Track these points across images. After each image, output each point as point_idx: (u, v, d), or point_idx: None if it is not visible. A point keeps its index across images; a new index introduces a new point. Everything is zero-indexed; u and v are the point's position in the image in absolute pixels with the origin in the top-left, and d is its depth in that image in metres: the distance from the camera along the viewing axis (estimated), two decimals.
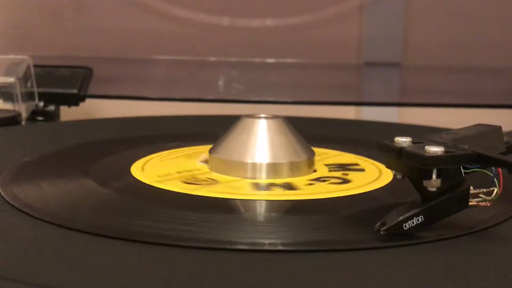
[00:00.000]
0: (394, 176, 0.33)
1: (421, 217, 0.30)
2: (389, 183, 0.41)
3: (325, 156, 0.48)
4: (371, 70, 0.84)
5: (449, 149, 0.30)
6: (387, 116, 0.78)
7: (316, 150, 0.45)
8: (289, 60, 0.84)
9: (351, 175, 0.43)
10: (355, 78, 0.88)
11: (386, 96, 0.85)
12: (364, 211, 0.35)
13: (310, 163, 0.43)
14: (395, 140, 0.31)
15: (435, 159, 0.30)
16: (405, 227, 0.30)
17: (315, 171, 0.43)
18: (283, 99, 0.79)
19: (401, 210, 0.31)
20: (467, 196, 0.31)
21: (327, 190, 0.39)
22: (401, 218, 0.30)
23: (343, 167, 0.45)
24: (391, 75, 0.85)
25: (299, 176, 0.42)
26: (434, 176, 0.30)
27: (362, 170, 0.44)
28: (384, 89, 0.86)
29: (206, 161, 0.44)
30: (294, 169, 0.42)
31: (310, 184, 0.40)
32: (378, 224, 0.31)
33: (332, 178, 0.42)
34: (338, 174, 0.43)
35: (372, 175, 0.43)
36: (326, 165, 0.45)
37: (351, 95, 0.88)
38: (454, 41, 0.82)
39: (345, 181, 0.41)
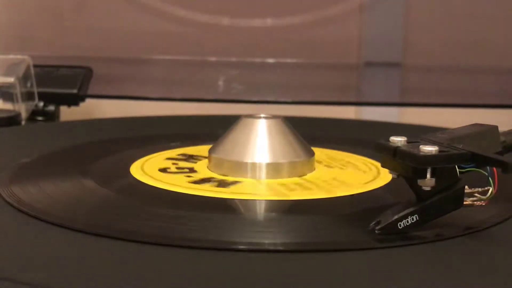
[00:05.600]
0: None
1: (415, 216, 0.30)
2: (389, 183, 0.41)
3: (325, 156, 0.48)
4: (371, 70, 0.84)
5: (444, 148, 0.31)
6: (387, 116, 0.78)
7: (316, 150, 0.45)
8: (289, 60, 0.84)
9: (351, 175, 0.43)
10: (355, 78, 0.88)
11: (386, 96, 0.85)
12: (364, 211, 0.35)
13: (310, 163, 0.43)
14: (390, 139, 0.32)
15: (429, 159, 0.30)
16: (400, 226, 0.30)
17: (315, 171, 0.43)
18: (283, 99, 0.79)
19: (396, 209, 0.31)
20: (462, 195, 0.31)
21: (327, 190, 0.39)
22: (395, 217, 0.30)
23: (343, 167, 0.45)
24: (391, 75, 0.85)
25: (299, 176, 0.42)
26: (428, 175, 0.30)
27: (362, 170, 0.44)
28: (384, 89, 0.86)
29: None
30: (294, 169, 0.42)
31: (310, 184, 0.40)
32: (373, 223, 0.31)
33: (331, 178, 0.42)
34: (338, 174, 0.43)
35: (372, 175, 0.43)
36: (326, 165, 0.45)
37: (351, 95, 0.88)
38: (454, 41, 0.82)
39: (345, 181, 0.41)
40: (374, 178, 0.42)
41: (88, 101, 0.75)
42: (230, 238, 0.31)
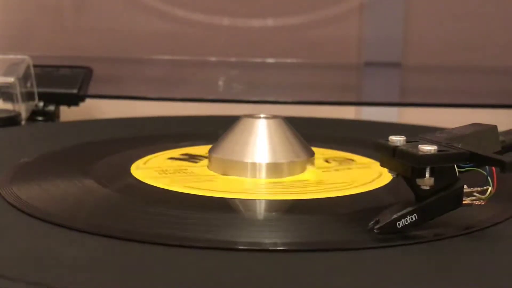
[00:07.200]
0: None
1: (414, 216, 0.30)
2: (389, 182, 0.41)
3: (325, 156, 0.48)
4: (371, 70, 0.84)
5: (443, 148, 0.31)
6: (387, 116, 0.78)
7: (316, 150, 0.45)
8: (289, 60, 0.84)
9: (351, 175, 0.43)
10: (355, 78, 0.88)
11: (386, 96, 0.85)
12: (364, 211, 0.35)
13: (310, 163, 0.43)
14: (389, 139, 0.32)
15: (428, 158, 0.30)
16: (399, 225, 0.30)
17: (314, 170, 0.43)
18: (283, 99, 0.79)
19: (395, 208, 0.31)
20: (460, 194, 0.31)
21: (327, 190, 0.39)
22: (394, 216, 0.30)
23: (343, 166, 0.45)
24: (391, 75, 0.85)
25: (299, 176, 0.42)
26: (427, 175, 0.30)
27: (362, 170, 0.44)
28: (384, 89, 0.86)
29: None
30: (294, 169, 0.42)
31: (310, 184, 0.40)
32: (372, 222, 0.31)
33: (331, 178, 0.42)
34: (338, 173, 0.43)
35: (372, 175, 0.43)
36: (325, 165, 0.45)
37: (351, 95, 0.88)
38: (454, 41, 0.82)
39: (345, 181, 0.41)
40: (376, 178, 0.42)
41: (88, 101, 0.74)
42: (230, 238, 0.31)
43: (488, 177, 0.32)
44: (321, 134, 0.56)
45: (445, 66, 0.83)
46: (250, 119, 0.44)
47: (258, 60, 0.84)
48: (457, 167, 0.31)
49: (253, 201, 0.37)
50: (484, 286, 0.27)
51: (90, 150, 0.50)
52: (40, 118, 0.70)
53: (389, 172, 0.32)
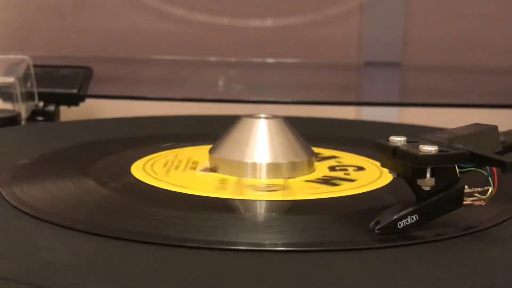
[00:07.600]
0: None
1: (415, 216, 0.30)
2: (389, 183, 0.41)
3: (325, 156, 0.48)
4: (371, 70, 0.84)
5: (443, 148, 0.31)
6: (387, 116, 0.78)
7: (316, 150, 0.45)
8: (289, 60, 0.84)
9: (351, 175, 0.43)
10: (355, 78, 0.88)
11: (386, 96, 0.85)
12: (364, 211, 0.35)
13: (310, 163, 0.43)
14: (390, 139, 0.32)
15: (428, 158, 0.30)
16: (400, 225, 0.30)
17: (315, 171, 0.43)
18: (283, 99, 0.79)
19: (396, 209, 0.31)
20: (461, 195, 0.31)
21: (327, 190, 0.39)
22: (395, 216, 0.30)
23: (343, 167, 0.45)
24: (391, 75, 0.85)
25: (299, 176, 0.42)
26: (428, 175, 0.30)
27: (362, 170, 0.44)
28: (384, 89, 0.86)
29: (207, 170, 0.43)
30: (294, 169, 0.42)
31: (310, 184, 0.40)
32: (373, 223, 0.31)
33: (332, 178, 0.42)
34: (338, 174, 0.43)
35: (373, 175, 0.43)
36: (325, 165, 0.45)
37: (351, 95, 0.88)
38: (454, 41, 0.82)
39: (345, 181, 0.41)
40: (376, 178, 0.42)
41: (88, 101, 0.74)
42: (230, 238, 0.31)
43: (489, 178, 0.32)
44: (321, 134, 0.56)
45: (445, 66, 0.83)
46: (250, 119, 0.44)
47: (258, 60, 0.84)
48: (457, 168, 0.31)
49: (253, 201, 0.37)
50: (485, 286, 0.27)
51: (90, 150, 0.50)
52: (40, 118, 0.70)
53: (390, 172, 0.32)
